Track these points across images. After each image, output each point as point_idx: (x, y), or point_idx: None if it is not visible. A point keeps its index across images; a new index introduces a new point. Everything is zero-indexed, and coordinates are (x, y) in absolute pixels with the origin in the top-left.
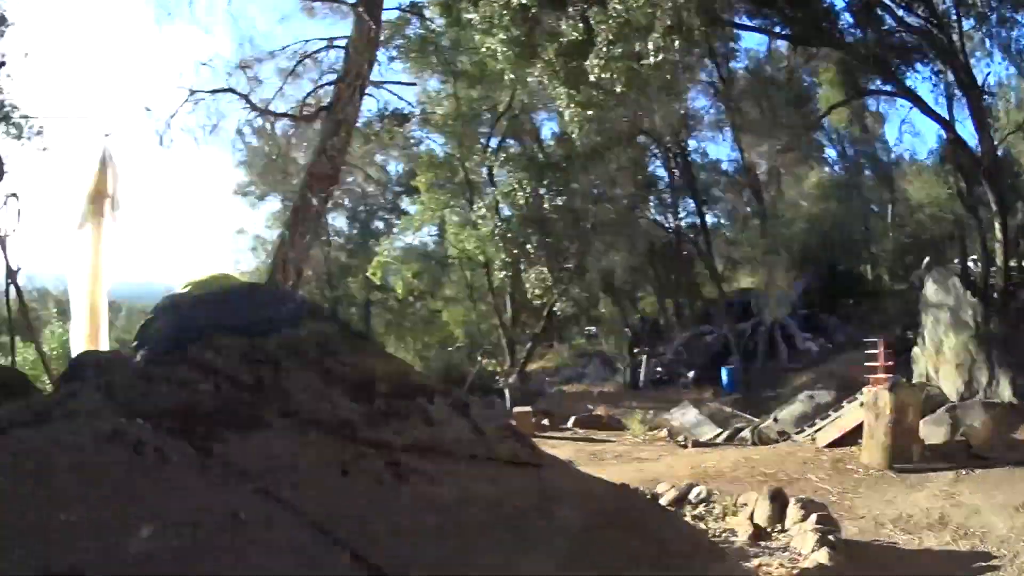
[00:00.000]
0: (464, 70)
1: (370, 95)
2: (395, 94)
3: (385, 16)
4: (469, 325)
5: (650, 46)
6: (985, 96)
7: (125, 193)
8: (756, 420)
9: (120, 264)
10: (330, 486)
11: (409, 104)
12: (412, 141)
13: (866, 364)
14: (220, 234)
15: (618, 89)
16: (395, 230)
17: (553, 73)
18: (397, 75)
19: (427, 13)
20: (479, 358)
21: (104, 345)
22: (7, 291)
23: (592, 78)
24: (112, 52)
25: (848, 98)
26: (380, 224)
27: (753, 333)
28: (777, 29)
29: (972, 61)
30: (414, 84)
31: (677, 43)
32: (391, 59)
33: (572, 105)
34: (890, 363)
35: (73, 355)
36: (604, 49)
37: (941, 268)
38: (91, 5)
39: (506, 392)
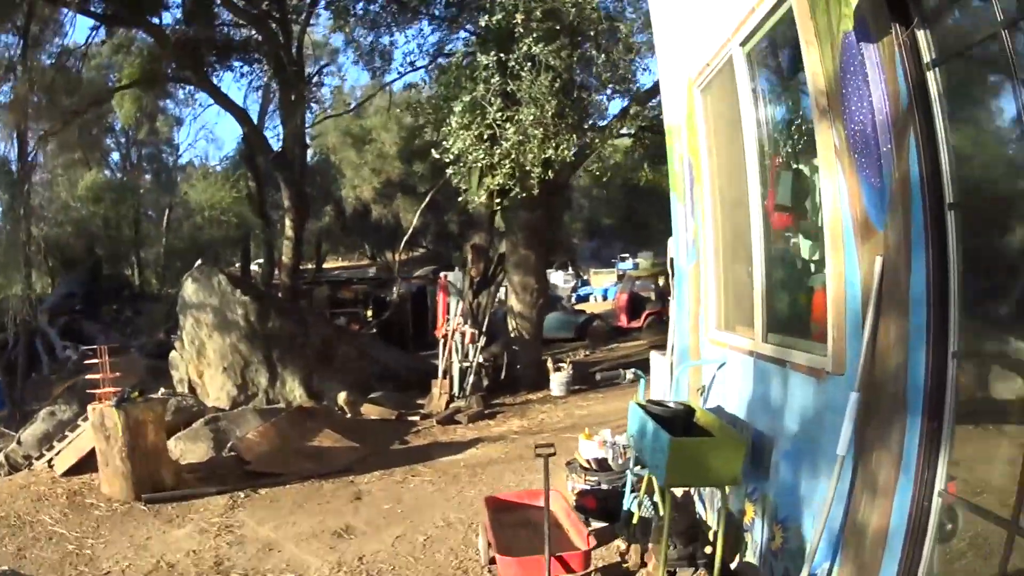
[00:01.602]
0: None
1: None
2: None
3: None
4: None
5: None
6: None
7: None
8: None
9: None
10: None
11: None
12: None
13: (88, 377)
14: None
15: None
16: None
17: None
18: None
19: None
20: None
21: None
22: None
23: None
24: None
25: (137, 82)
26: None
27: (16, 343)
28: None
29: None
30: None
31: None
32: None
33: None
34: (116, 374)
35: None
36: None
37: (204, 268)
38: None
39: None
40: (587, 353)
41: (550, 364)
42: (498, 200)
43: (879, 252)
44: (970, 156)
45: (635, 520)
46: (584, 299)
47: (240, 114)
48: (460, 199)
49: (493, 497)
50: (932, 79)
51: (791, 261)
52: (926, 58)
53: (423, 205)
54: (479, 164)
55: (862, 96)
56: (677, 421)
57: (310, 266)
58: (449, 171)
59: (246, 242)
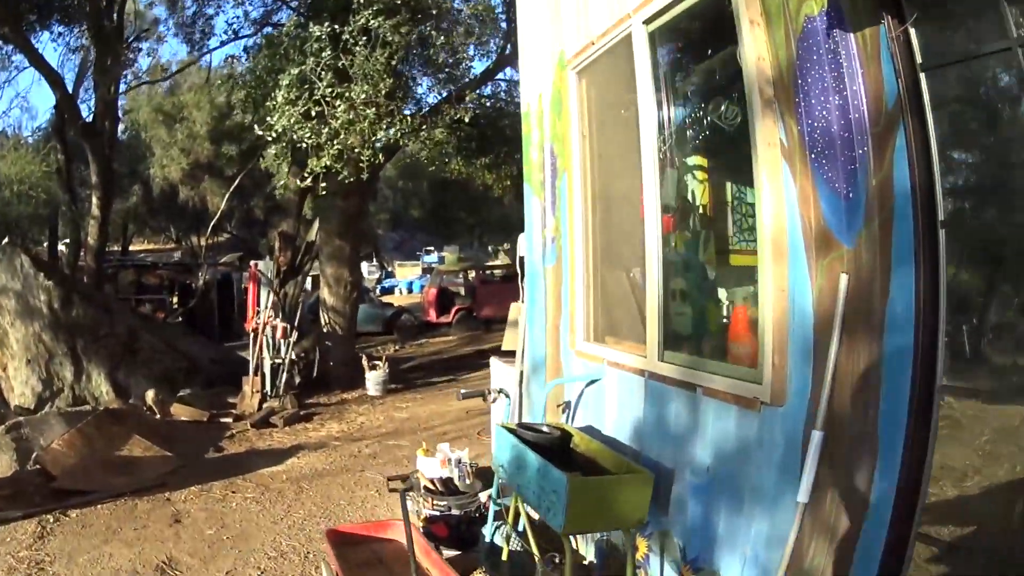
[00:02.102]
0: None
1: None
2: None
3: None
4: None
5: None
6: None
7: None
8: None
9: None
10: None
11: None
12: None
13: None
14: None
15: None
16: None
17: None
18: None
19: None
20: None
21: None
22: None
23: None
24: None
25: None
26: None
27: None
28: None
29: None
30: None
31: None
32: None
33: None
34: None
35: None
36: None
37: (7, 247)
38: None
39: None
40: (396, 348)
41: (365, 361)
42: (323, 184)
43: (843, 269)
44: (961, 172)
45: (504, 556)
46: (389, 291)
47: (54, 78)
48: (279, 185)
49: (335, 530)
50: (925, 83)
51: (697, 270)
52: (919, 58)
53: (232, 188)
54: (305, 143)
55: (827, 90)
56: (554, 449)
57: (116, 248)
58: (271, 150)
59: (54, 220)
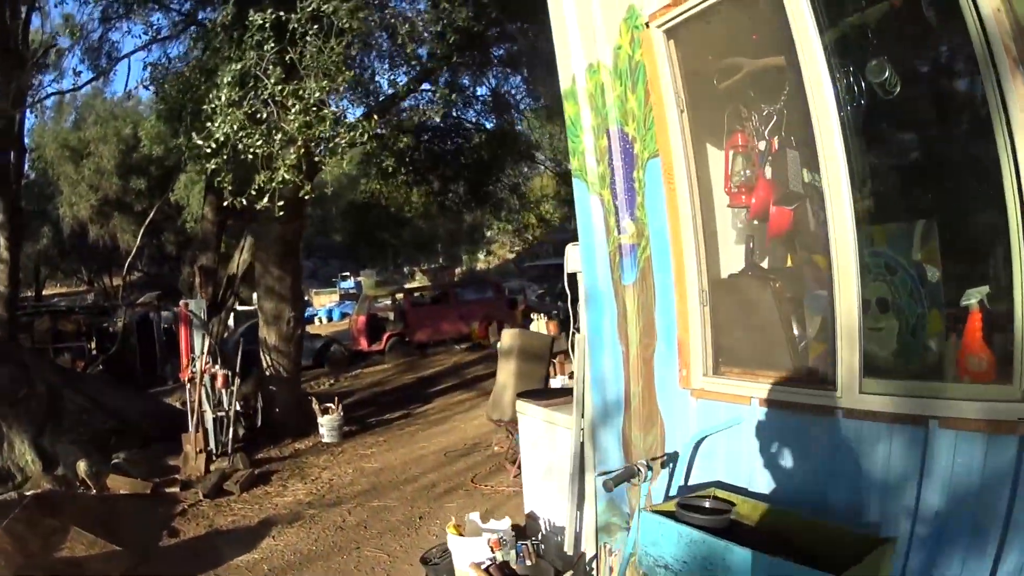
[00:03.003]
0: None
1: None
2: None
3: None
4: None
5: None
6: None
7: None
8: None
9: None
10: None
11: None
12: None
13: None
14: None
15: None
16: None
17: None
18: None
19: None
20: None
21: None
22: None
23: None
24: None
25: None
26: None
27: None
28: None
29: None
30: None
31: None
32: None
33: None
34: None
35: None
36: None
37: None
38: None
39: None
40: (331, 382)
41: (316, 405)
42: (280, 203)
43: None
44: None
45: None
46: (308, 320)
47: None
48: (193, 217)
49: None
50: None
51: (911, 272)
52: None
53: (146, 223)
54: (255, 153)
55: None
56: (723, 525)
57: (29, 294)
58: (211, 164)
59: None
